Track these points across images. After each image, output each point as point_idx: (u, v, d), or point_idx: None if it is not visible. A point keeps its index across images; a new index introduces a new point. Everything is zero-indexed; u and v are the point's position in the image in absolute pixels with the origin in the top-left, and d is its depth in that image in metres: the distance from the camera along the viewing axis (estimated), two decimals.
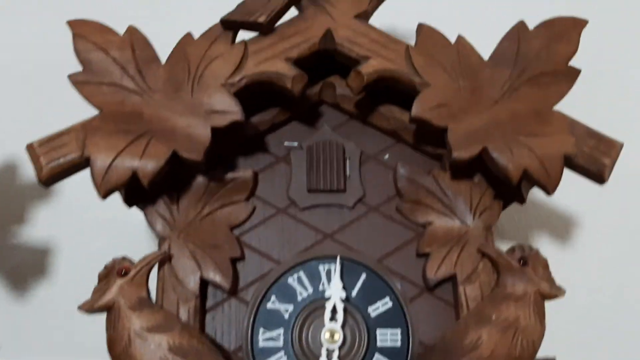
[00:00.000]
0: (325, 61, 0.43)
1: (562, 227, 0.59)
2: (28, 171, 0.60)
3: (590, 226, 0.59)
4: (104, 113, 0.38)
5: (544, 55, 0.40)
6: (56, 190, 0.60)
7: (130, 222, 0.57)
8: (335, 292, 0.39)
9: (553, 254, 0.58)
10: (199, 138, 0.38)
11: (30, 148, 0.38)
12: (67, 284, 0.57)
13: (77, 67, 0.39)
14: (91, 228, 0.58)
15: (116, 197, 0.57)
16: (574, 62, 0.40)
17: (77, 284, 0.55)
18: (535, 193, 0.60)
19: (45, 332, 0.56)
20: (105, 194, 0.37)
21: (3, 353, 0.54)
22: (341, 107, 0.45)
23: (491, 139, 0.39)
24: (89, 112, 0.39)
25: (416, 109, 0.39)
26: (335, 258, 0.42)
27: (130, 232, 0.56)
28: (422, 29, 0.41)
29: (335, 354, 0.39)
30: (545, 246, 0.59)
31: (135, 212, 0.56)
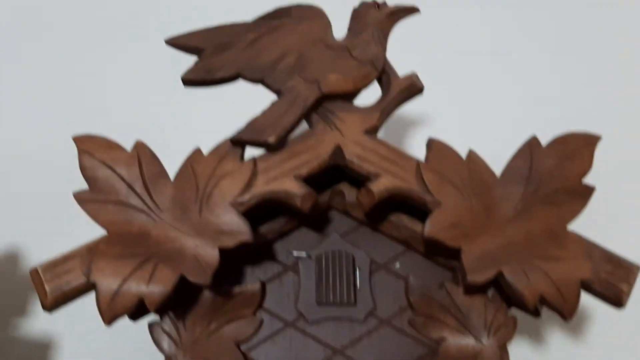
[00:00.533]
0: (335, 169, 0.43)
1: (573, 322, 0.58)
2: (29, 263, 0.60)
3: (603, 320, 0.58)
4: (109, 235, 0.38)
5: (557, 173, 0.40)
6: None
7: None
8: None
9: (565, 349, 0.57)
10: (206, 260, 0.38)
11: (34, 273, 0.37)
12: None
13: None
14: (93, 323, 0.56)
15: None
16: (588, 179, 0.40)
17: None
18: None
19: None
20: (110, 321, 0.37)
21: None
22: (350, 214, 0.45)
23: (506, 262, 0.38)
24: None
25: (429, 229, 0.39)
26: None
27: (132, 328, 0.55)
28: (432, 143, 0.41)
29: None
30: (557, 340, 0.57)
31: None
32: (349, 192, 0.44)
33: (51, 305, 0.37)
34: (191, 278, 0.37)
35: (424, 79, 0.43)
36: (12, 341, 0.57)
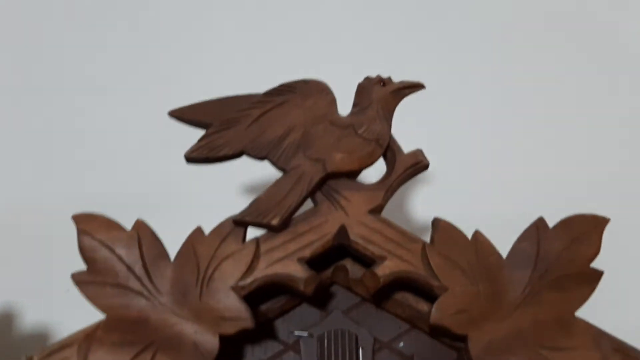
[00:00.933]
0: (338, 246, 0.42)
1: None
2: (25, 321, 0.59)
3: None
4: (108, 320, 0.37)
5: (565, 257, 0.39)
6: (53, 340, 0.58)
7: None
8: None
9: None
10: (206, 347, 0.37)
11: None
12: None
13: None
14: None
15: None
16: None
17: None
18: None
19: None
20: None
21: None
22: (353, 290, 0.44)
23: (513, 351, 0.37)
24: None
25: (436, 316, 0.38)
26: None
27: None
28: (438, 224, 0.40)
29: None
30: None
31: None
32: (353, 268, 0.43)
33: None
34: None
35: (426, 148, 0.43)
36: None
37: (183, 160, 0.41)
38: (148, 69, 0.66)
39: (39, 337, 0.58)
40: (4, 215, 0.61)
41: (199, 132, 0.41)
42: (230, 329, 0.37)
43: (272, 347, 0.43)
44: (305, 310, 0.44)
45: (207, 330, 0.37)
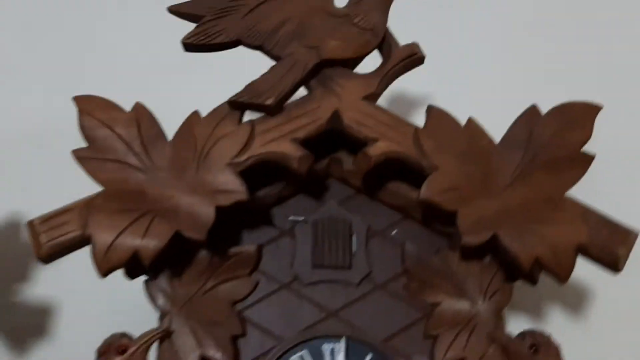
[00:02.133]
0: (333, 136, 0.43)
1: (575, 300, 0.58)
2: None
3: (604, 300, 0.58)
4: (107, 191, 0.38)
5: (556, 141, 0.40)
6: None
7: (132, 285, 0.57)
8: None
9: (565, 328, 0.57)
10: (202, 217, 0.38)
11: (30, 225, 0.37)
12: (66, 345, 0.56)
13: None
14: (93, 289, 0.57)
15: None
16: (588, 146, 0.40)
17: (77, 345, 0.55)
18: None
19: None
20: (105, 273, 0.37)
21: None
22: (348, 182, 0.45)
23: (502, 225, 0.38)
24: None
25: (425, 192, 0.39)
26: (340, 337, 0.41)
27: (131, 295, 0.56)
28: (431, 110, 0.41)
29: None
30: (557, 320, 0.57)
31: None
32: (347, 160, 0.44)
33: (45, 256, 0.37)
34: (186, 233, 0.37)
35: (425, 49, 0.43)
36: (12, 307, 0.57)
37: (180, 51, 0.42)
38: None
39: None
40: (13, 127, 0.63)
41: None
42: (225, 200, 0.38)
43: (268, 232, 0.44)
44: (301, 200, 0.45)
45: (203, 203, 0.38)
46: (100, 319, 0.58)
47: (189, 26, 0.42)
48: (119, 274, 0.55)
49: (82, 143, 0.43)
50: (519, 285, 0.52)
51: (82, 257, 0.57)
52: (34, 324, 0.57)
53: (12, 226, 0.59)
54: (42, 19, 0.66)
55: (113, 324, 0.52)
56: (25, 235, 0.59)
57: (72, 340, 0.56)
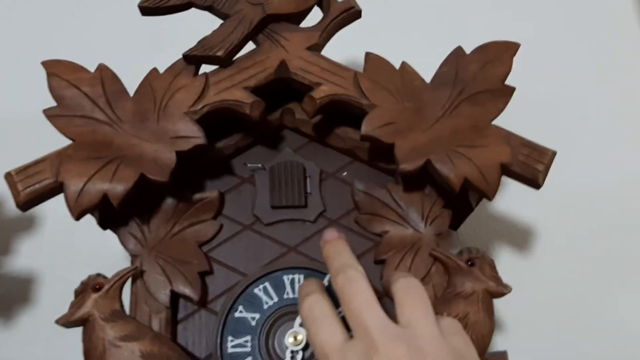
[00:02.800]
0: (285, 89, 0.47)
1: (520, 237, 0.62)
2: (11, 204, 0.63)
3: (547, 236, 0.62)
4: (76, 142, 0.42)
5: (480, 76, 0.44)
6: (39, 221, 0.63)
7: (110, 252, 0.60)
8: None
9: (513, 264, 0.62)
10: (165, 161, 0.42)
11: (8, 176, 0.41)
12: (50, 312, 0.59)
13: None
14: (73, 258, 0.60)
15: (96, 227, 0.60)
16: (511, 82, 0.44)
17: (60, 312, 0.58)
18: (494, 205, 0.64)
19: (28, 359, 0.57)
20: (78, 216, 0.40)
21: None
22: (301, 131, 0.49)
23: (434, 152, 0.42)
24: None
25: (365, 128, 0.43)
26: (299, 269, 0.45)
27: (110, 263, 0.59)
28: (369, 56, 0.45)
29: (299, 356, 0.41)
30: (505, 256, 0.62)
31: (116, 243, 0.59)
32: (299, 110, 0.48)
33: (24, 203, 0.40)
34: (151, 176, 0.41)
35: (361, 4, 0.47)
36: None
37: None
38: None
39: (25, 219, 0.63)
40: None
41: None
42: (185, 145, 0.42)
43: (229, 181, 0.48)
44: (259, 150, 0.49)
45: (164, 148, 0.42)
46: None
47: None
48: (97, 240, 0.59)
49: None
50: (468, 226, 0.57)
51: (62, 227, 0.61)
52: (18, 292, 0.60)
53: None
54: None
55: None
56: (7, 210, 0.63)
57: (54, 307, 0.59)
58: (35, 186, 0.40)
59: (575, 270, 0.61)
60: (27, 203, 0.41)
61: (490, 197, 0.42)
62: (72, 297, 0.59)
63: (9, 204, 0.63)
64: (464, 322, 0.41)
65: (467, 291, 0.42)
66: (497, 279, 0.43)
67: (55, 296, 0.60)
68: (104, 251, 0.60)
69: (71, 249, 0.61)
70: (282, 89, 0.47)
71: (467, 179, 0.41)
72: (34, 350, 0.58)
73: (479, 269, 0.43)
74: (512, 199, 0.62)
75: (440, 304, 0.42)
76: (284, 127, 0.49)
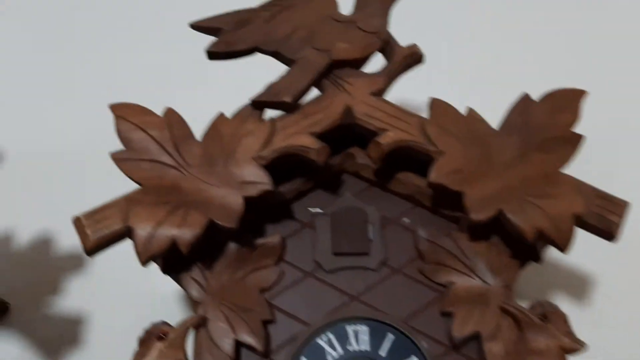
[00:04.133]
0: (346, 134, 0.47)
1: (579, 286, 0.60)
2: (63, 243, 0.63)
3: (607, 286, 0.60)
4: (144, 187, 0.42)
5: (549, 124, 0.44)
6: (90, 262, 0.63)
7: (160, 295, 0.60)
8: None
9: (571, 313, 0.60)
10: (232, 207, 0.41)
11: (76, 221, 0.41)
12: (99, 354, 0.59)
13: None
14: (123, 300, 0.60)
15: (148, 271, 0.60)
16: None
17: (109, 355, 0.58)
18: (551, 254, 0.62)
19: None
20: (145, 262, 0.40)
21: None
22: (361, 175, 0.48)
23: (505, 202, 0.41)
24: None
25: (433, 175, 0.42)
26: (362, 319, 0.44)
27: (160, 305, 0.58)
28: (434, 102, 0.45)
29: None
30: (564, 306, 0.60)
31: (166, 286, 0.59)
32: (360, 155, 0.48)
33: (92, 248, 0.40)
34: (220, 221, 0.41)
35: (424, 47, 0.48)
36: (44, 319, 0.60)
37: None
38: None
39: (75, 258, 0.63)
40: (38, 144, 0.67)
41: None
42: (253, 191, 0.42)
43: (290, 225, 0.47)
44: (319, 194, 0.48)
45: (232, 194, 0.42)
46: (130, 329, 0.61)
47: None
48: (148, 283, 0.59)
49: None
50: (526, 277, 0.55)
51: (113, 269, 0.61)
52: (66, 334, 0.59)
53: (43, 242, 0.62)
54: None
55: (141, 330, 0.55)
56: (57, 249, 0.63)
57: (103, 349, 0.59)
58: (104, 231, 0.40)
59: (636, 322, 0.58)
60: (95, 248, 0.41)
61: (564, 250, 0.41)
62: (121, 341, 0.59)
63: (57, 242, 0.64)
64: None
65: (541, 347, 0.40)
66: (571, 335, 0.41)
67: (104, 339, 0.60)
68: (155, 293, 0.60)
69: (122, 290, 0.61)
70: (343, 133, 0.46)
71: (541, 231, 0.40)
72: None
73: (553, 324, 0.41)
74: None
75: None
76: (344, 172, 0.49)
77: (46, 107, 0.72)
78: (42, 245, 0.62)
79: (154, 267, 0.55)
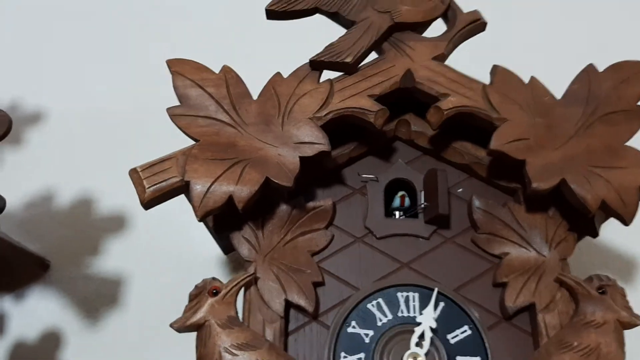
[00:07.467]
0: (401, 100, 0.46)
1: (625, 269, 0.59)
2: (104, 204, 0.64)
3: None
4: (201, 143, 0.41)
5: (614, 96, 0.43)
6: (130, 224, 0.63)
7: (200, 259, 0.60)
8: (427, 319, 0.40)
9: None
10: (289, 166, 0.41)
11: (133, 172, 0.40)
12: (137, 314, 0.59)
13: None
14: (163, 263, 0.60)
15: (187, 233, 0.60)
16: None
17: (147, 315, 0.58)
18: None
19: None
20: (202, 217, 0.40)
21: None
22: (415, 143, 0.48)
23: (568, 172, 0.40)
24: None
25: (495, 142, 0.41)
26: (412, 286, 0.43)
27: (199, 269, 0.58)
28: (496, 69, 0.44)
29: None
30: None
31: (205, 250, 0.59)
32: (415, 122, 0.47)
33: (148, 200, 0.40)
34: (276, 180, 0.40)
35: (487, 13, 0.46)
36: (84, 278, 0.60)
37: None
38: None
39: (116, 219, 0.63)
40: (82, 103, 0.67)
41: None
42: (309, 151, 0.41)
43: (341, 191, 0.47)
44: (371, 161, 0.48)
45: (289, 153, 0.41)
46: (168, 290, 0.61)
47: None
48: (187, 245, 0.58)
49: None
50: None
51: (153, 230, 0.61)
52: (105, 294, 0.60)
53: (85, 202, 0.63)
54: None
55: (179, 295, 0.56)
56: (98, 210, 0.63)
57: (141, 309, 0.59)
58: (161, 184, 0.40)
59: None
60: (152, 201, 0.40)
61: (627, 222, 0.40)
62: (158, 301, 0.59)
63: (98, 203, 0.64)
64: (596, 354, 0.38)
65: (599, 320, 0.40)
66: (629, 309, 0.40)
67: (142, 299, 0.60)
68: (191, 255, 0.60)
69: (160, 252, 0.61)
70: (398, 99, 0.46)
71: (605, 202, 0.39)
72: (120, 351, 0.57)
73: (610, 297, 0.40)
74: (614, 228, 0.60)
75: (569, 333, 0.40)
76: (397, 139, 0.48)
77: (90, 66, 0.72)
78: (84, 205, 0.63)
79: (195, 230, 0.55)
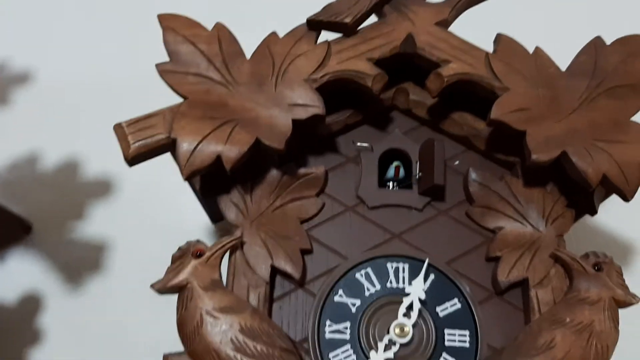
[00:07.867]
0: (399, 67, 0.44)
1: (620, 253, 0.59)
2: (90, 168, 0.62)
3: None
4: (190, 100, 0.40)
5: (621, 70, 0.41)
6: (116, 189, 0.61)
7: (186, 228, 0.58)
8: (416, 290, 0.39)
9: None
10: (281, 128, 0.39)
11: (118, 127, 0.39)
12: (120, 280, 0.58)
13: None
14: (147, 229, 0.58)
15: (174, 201, 0.58)
16: None
17: (130, 281, 0.56)
18: (591, 219, 0.60)
19: (96, 326, 0.55)
20: (188, 176, 0.38)
21: (54, 346, 0.54)
22: (413, 113, 0.46)
23: (570, 144, 0.39)
24: None
25: (495, 112, 0.40)
26: (403, 257, 0.42)
27: (185, 238, 0.57)
28: (500, 38, 0.43)
29: (395, 348, 0.38)
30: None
31: (191, 218, 0.57)
32: (413, 91, 0.46)
33: (133, 157, 0.38)
34: (267, 142, 0.39)
35: None
36: (67, 243, 0.59)
37: None
38: None
39: (102, 184, 0.61)
40: (69, 67, 0.65)
41: None
42: (303, 114, 0.40)
43: (334, 159, 0.45)
44: (366, 130, 0.46)
45: (281, 115, 0.40)
46: (152, 256, 0.59)
47: None
48: (172, 213, 0.57)
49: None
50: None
51: (138, 196, 0.59)
52: (88, 259, 0.58)
53: (70, 165, 0.61)
54: None
55: (164, 261, 0.54)
56: (83, 174, 0.61)
57: (124, 275, 0.58)
58: (146, 140, 0.38)
59: None
60: (136, 157, 0.38)
61: (629, 198, 0.38)
62: (142, 268, 0.58)
63: (83, 167, 0.62)
64: (589, 331, 0.37)
65: (593, 297, 0.38)
66: (625, 287, 0.39)
67: (125, 266, 0.58)
68: (177, 223, 0.59)
69: (146, 218, 0.59)
70: (397, 66, 0.44)
71: (606, 176, 0.38)
72: (103, 317, 0.56)
73: (606, 274, 0.39)
74: (609, 211, 0.59)
75: (562, 309, 0.39)
76: (395, 108, 0.47)
77: (80, 28, 0.70)
78: (69, 168, 0.61)
79: (182, 198, 0.54)
